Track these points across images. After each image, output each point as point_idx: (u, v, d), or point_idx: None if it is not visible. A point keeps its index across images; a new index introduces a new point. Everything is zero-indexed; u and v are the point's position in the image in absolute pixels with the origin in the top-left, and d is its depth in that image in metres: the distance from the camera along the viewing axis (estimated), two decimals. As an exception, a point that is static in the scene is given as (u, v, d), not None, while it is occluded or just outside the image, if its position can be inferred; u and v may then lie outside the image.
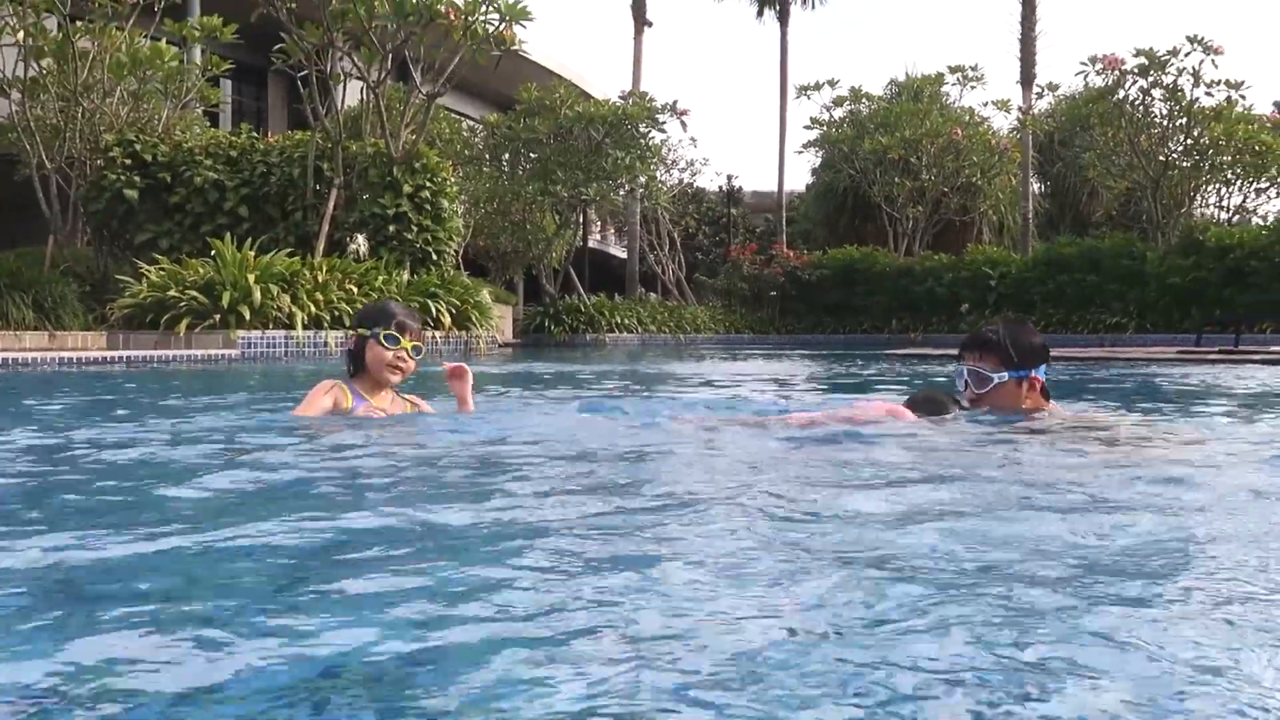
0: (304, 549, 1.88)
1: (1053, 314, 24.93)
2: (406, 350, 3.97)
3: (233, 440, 3.63)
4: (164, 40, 16.65)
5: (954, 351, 4.21)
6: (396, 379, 4.02)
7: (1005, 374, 3.83)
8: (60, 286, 13.25)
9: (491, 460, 3.17)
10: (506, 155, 25.75)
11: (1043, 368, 3.90)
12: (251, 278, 12.50)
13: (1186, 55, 23.10)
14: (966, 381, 3.90)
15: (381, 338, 3.93)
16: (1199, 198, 26.91)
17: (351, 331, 4.10)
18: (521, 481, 2.68)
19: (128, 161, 15.36)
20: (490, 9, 14.77)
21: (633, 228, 32.37)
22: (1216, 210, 27.32)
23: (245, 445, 3.50)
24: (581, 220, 29.02)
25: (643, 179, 26.30)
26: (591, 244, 35.50)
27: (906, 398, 3.98)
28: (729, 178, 39.14)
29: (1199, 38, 22.85)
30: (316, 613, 1.47)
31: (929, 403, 3.88)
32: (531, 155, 24.51)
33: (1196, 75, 23.26)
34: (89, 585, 1.65)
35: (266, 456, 3.15)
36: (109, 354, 11.61)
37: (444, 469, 2.96)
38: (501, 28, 15.03)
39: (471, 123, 28.12)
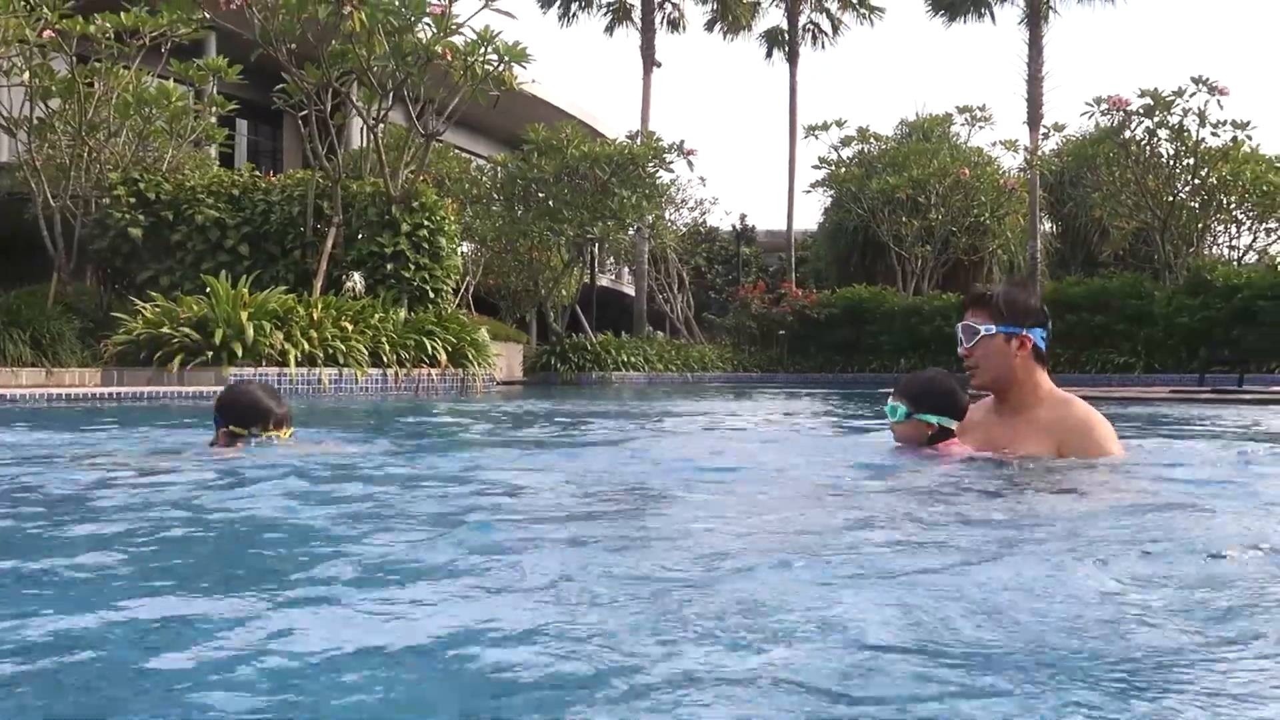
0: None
1: (1061, 353, 24.71)
2: (285, 440, 4.05)
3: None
4: (171, 80, 16.85)
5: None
6: None
7: (994, 328, 3.75)
8: (59, 324, 13.36)
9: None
10: (516, 193, 25.85)
11: (1039, 331, 3.79)
12: (244, 315, 12.57)
13: (1192, 96, 23.05)
14: (960, 339, 3.85)
15: (263, 438, 3.98)
16: (1209, 237, 26.82)
17: (221, 429, 4.03)
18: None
19: (132, 200, 15.52)
20: (489, 50, 14.90)
21: (640, 266, 32.46)
22: (1228, 250, 27.22)
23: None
24: (590, 259, 29.11)
25: (649, 218, 26.35)
26: (604, 283, 35.63)
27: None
28: (741, 216, 39.23)
29: (1204, 78, 22.82)
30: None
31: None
32: (539, 194, 24.62)
33: (1202, 116, 23.20)
34: None
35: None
36: (102, 390, 11.69)
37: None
38: (501, 69, 15.15)
39: (481, 161, 28.30)
